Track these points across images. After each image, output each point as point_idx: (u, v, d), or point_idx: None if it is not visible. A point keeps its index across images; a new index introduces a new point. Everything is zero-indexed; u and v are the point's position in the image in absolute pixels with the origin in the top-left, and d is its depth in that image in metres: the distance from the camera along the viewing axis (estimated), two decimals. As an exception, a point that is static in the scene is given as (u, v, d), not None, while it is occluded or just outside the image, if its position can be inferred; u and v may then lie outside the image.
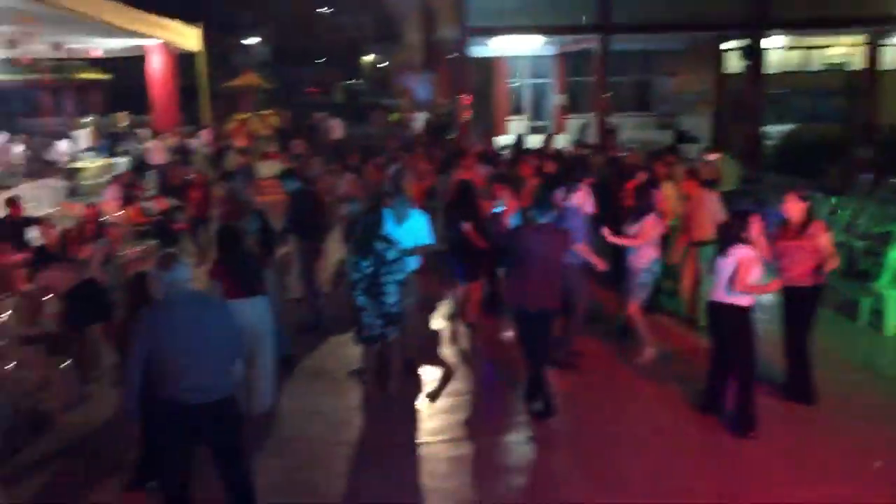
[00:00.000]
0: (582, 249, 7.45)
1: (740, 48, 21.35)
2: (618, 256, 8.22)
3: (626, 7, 19.75)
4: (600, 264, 7.57)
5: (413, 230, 7.59)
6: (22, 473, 5.98)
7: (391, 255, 6.78)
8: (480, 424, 6.75)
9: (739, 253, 6.16)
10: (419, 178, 11.70)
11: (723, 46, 23.84)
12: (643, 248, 7.65)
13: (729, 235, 6.31)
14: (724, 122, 23.62)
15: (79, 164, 19.63)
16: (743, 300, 6.22)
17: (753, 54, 20.96)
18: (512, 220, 8.03)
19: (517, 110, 26.05)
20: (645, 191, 8.00)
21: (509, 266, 6.76)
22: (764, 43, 21.06)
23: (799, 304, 6.78)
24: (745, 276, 6.13)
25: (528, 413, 6.76)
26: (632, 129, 23.19)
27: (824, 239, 6.65)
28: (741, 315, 6.26)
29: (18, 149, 20.65)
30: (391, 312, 6.86)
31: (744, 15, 20.35)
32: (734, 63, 22.88)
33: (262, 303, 6.71)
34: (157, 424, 4.82)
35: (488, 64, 25.97)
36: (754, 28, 20.57)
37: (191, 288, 4.83)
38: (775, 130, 21.85)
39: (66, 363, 7.20)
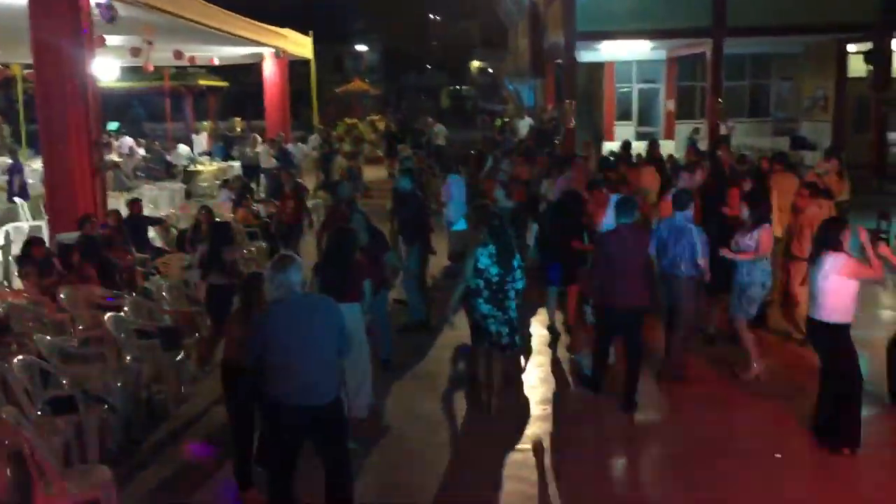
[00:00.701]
0: (703, 263, 7.16)
1: (864, 51, 20.27)
2: (721, 267, 7.84)
3: (740, 9, 19.07)
4: (707, 276, 7.31)
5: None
6: (143, 463, 6.25)
7: (515, 262, 6.75)
8: (578, 433, 6.65)
9: (834, 261, 5.84)
10: (518, 183, 11.67)
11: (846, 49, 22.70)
12: (756, 261, 7.35)
13: (822, 244, 5.99)
14: (845, 129, 22.50)
15: (195, 168, 20.49)
16: (838, 316, 5.88)
17: (879, 57, 19.85)
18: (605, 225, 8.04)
19: (625, 115, 25.60)
20: (756, 200, 7.66)
21: (598, 268, 7.02)
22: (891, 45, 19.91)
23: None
24: (839, 287, 5.80)
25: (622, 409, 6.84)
26: (745, 135, 22.42)
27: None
28: (838, 331, 5.92)
29: (141, 152, 21.76)
30: (513, 319, 6.82)
31: (868, 16, 19.27)
32: (857, 66, 21.73)
33: (354, 309, 6.73)
34: (266, 423, 4.95)
35: (596, 69, 25.65)
36: (880, 29, 19.46)
37: (302, 290, 4.89)
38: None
39: (179, 356, 7.51)
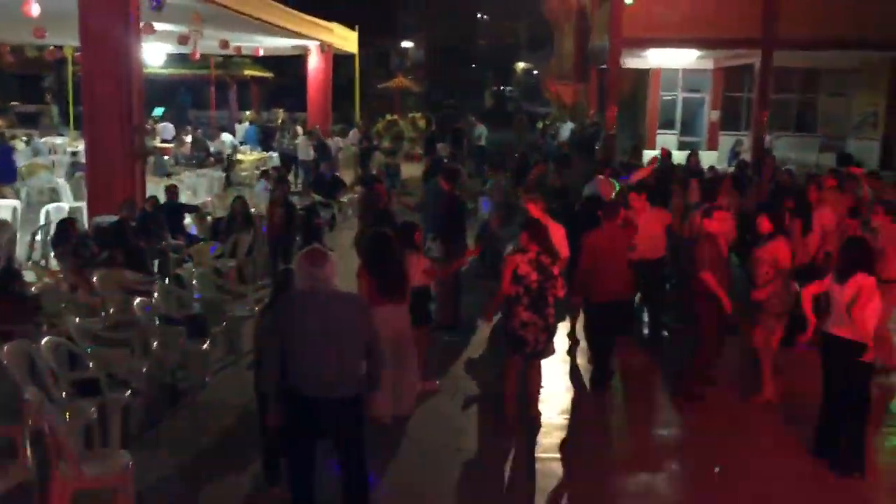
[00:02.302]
0: (708, 279, 6.94)
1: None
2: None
3: (792, 21, 18.70)
4: (727, 306, 6.98)
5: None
6: (162, 448, 6.31)
7: (553, 270, 6.65)
8: (598, 444, 6.57)
9: (859, 281, 5.68)
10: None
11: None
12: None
13: (849, 261, 5.82)
14: (895, 147, 21.99)
15: (236, 157, 20.69)
16: (859, 334, 5.70)
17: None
18: None
19: (669, 124, 25.30)
20: (779, 217, 7.46)
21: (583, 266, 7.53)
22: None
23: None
24: (866, 306, 5.62)
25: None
26: (790, 150, 22.00)
27: None
28: (857, 350, 5.72)
29: (187, 139, 22.04)
30: (553, 325, 6.75)
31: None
32: (910, 84, 21.27)
33: (404, 310, 6.75)
34: (286, 411, 4.94)
35: (641, 75, 25.39)
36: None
37: (333, 285, 4.84)
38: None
39: (205, 345, 7.56)
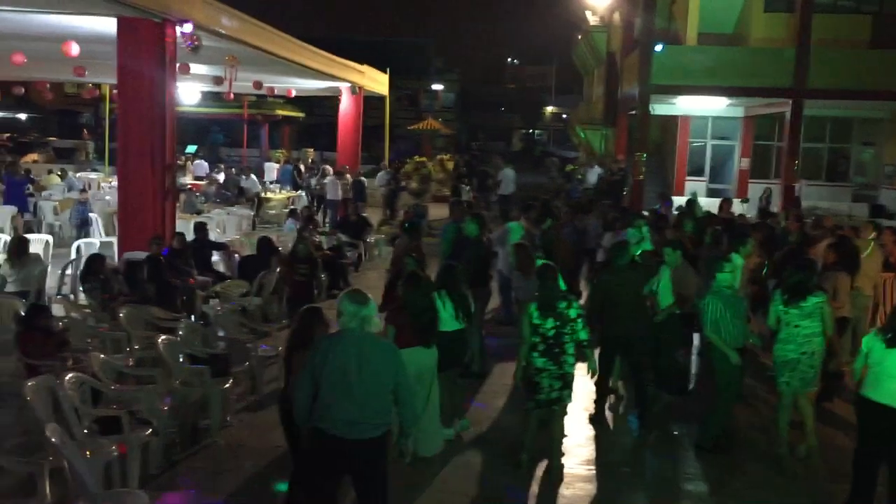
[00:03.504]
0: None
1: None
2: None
3: (823, 70, 18.68)
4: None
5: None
6: (176, 485, 6.28)
7: (573, 313, 6.62)
8: (620, 497, 6.44)
9: None
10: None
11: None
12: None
13: None
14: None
15: (266, 195, 20.91)
16: None
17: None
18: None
19: (698, 171, 25.23)
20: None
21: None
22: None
23: None
24: None
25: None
26: (821, 199, 21.81)
27: None
28: None
29: (220, 177, 22.32)
30: (569, 373, 6.68)
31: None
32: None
33: (434, 354, 6.79)
34: (307, 450, 4.92)
35: (670, 122, 25.42)
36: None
37: (367, 327, 4.87)
38: None
39: (227, 384, 7.55)
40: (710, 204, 18.03)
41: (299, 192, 22.10)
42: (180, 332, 7.85)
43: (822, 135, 24.06)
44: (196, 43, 10.92)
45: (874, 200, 22.55)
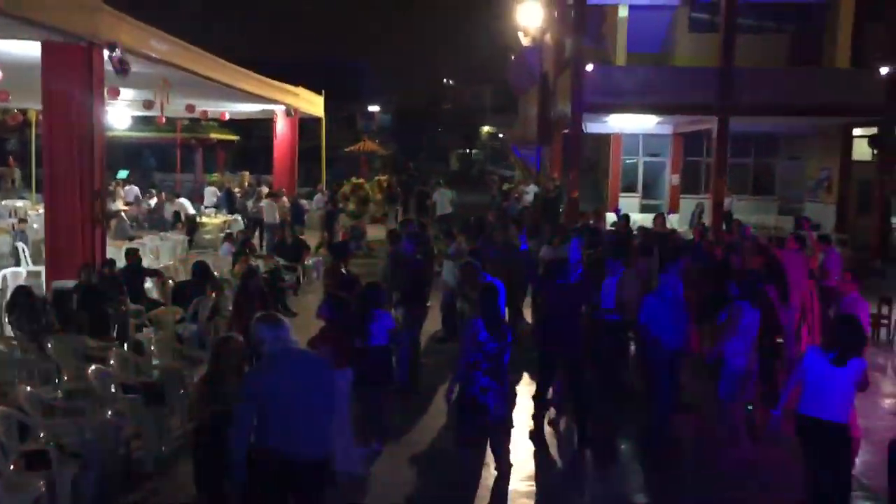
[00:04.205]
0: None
1: (869, 135, 20.43)
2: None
3: (747, 88, 19.30)
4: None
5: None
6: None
7: (509, 335, 6.64)
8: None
9: (862, 364, 5.50)
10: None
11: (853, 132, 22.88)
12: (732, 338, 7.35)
13: (853, 341, 5.52)
14: (848, 211, 22.58)
15: (200, 219, 20.57)
16: (845, 416, 5.51)
17: (883, 142, 20.02)
18: None
19: (631, 187, 25.79)
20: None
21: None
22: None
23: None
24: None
25: None
26: (749, 213, 22.45)
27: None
28: (844, 431, 5.56)
29: (152, 202, 21.86)
30: (508, 393, 6.72)
31: (874, 101, 19.44)
32: (863, 150, 21.91)
33: (349, 375, 6.79)
34: (254, 474, 4.84)
35: (603, 140, 25.92)
36: (886, 115, 19.62)
37: (294, 346, 4.91)
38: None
39: (162, 413, 7.38)
40: (644, 219, 18.44)
41: (234, 216, 21.81)
42: (112, 362, 7.66)
43: (748, 150, 24.84)
44: (125, 67, 10.72)
45: (799, 214, 23.32)
